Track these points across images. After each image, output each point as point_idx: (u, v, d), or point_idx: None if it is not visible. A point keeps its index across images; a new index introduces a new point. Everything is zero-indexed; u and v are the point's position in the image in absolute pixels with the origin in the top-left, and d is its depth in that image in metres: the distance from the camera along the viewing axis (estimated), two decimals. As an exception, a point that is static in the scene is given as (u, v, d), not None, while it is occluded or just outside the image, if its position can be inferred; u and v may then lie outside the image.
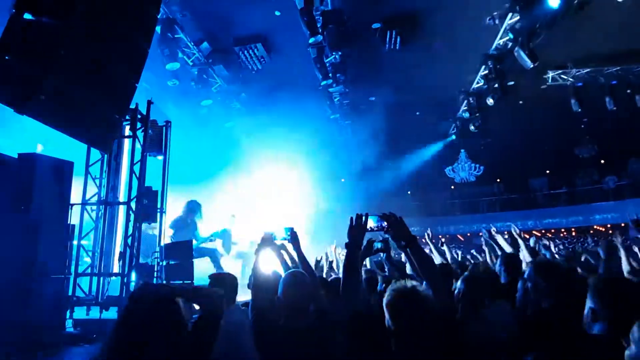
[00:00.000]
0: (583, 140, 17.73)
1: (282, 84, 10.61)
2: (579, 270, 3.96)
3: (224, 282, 3.15)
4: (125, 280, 6.11)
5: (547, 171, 21.70)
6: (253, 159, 12.30)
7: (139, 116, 6.79)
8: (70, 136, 4.99)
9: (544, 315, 2.37)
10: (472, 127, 13.80)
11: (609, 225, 19.71)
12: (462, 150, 17.94)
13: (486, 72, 10.83)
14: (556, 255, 5.53)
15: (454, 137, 16.24)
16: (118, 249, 6.94)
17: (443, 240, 6.65)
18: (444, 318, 1.85)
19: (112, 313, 5.96)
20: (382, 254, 4.26)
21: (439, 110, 14.36)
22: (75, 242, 6.38)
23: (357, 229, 2.34)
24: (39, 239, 5.03)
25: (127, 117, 6.64)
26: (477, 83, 12.06)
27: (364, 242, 2.57)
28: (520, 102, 13.26)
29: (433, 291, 1.99)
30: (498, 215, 21.29)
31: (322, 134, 12.34)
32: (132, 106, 6.40)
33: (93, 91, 4.93)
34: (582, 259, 5.43)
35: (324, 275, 4.84)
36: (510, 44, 9.47)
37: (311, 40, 8.56)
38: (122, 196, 7.14)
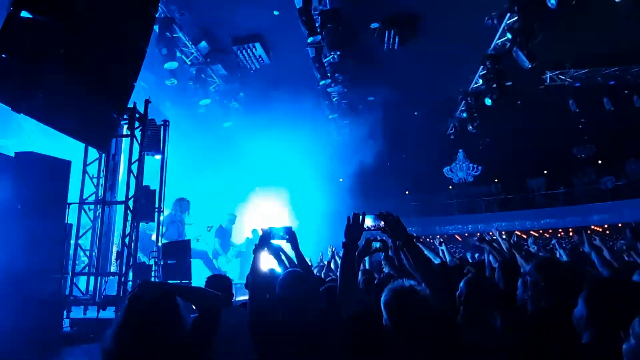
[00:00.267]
0: (581, 141, 17.76)
1: (281, 83, 10.60)
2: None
3: (219, 284, 3.15)
4: (122, 280, 6.09)
5: (545, 171, 21.75)
6: (251, 159, 12.29)
7: (137, 115, 6.77)
8: (67, 135, 4.98)
9: (543, 316, 2.36)
10: (470, 127, 13.81)
11: (606, 226, 19.78)
12: (460, 150, 17.98)
13: (484, 72, 10.84)
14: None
15: (452, 137, 16.25)
16: (115, 248, 6.92)
17: (442, 240, 6.65)
18: (442, 317, 1.85)
19: (109, 313, 5.95)
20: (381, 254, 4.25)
21: (437, 110, 14.37)
22: (72, 242, 6.36)
23: (354, 228, 2.33)
24: (35, 238, 5.01)
25: (125, 116, 6.62)
26: (476, 83, 12.07)
27: (362, 242, 2.56)
28: (519, 102, 13.29)
29: (431, 291, 1.99)
30: (496, 215, 21.34)
31: (321, 133, 12.35)
32: (130, 105, 6.38)
33: (91, 90, 4.92)
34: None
35: (322, 276, 4.85)
36: (508, 44, 9.49)
37: (310, 39, 8.56)
38: (119, 195, 7.12)
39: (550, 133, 15.66)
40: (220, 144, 11.93)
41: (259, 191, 13.31)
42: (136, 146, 6.72)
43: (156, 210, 7.15)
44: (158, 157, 7.38)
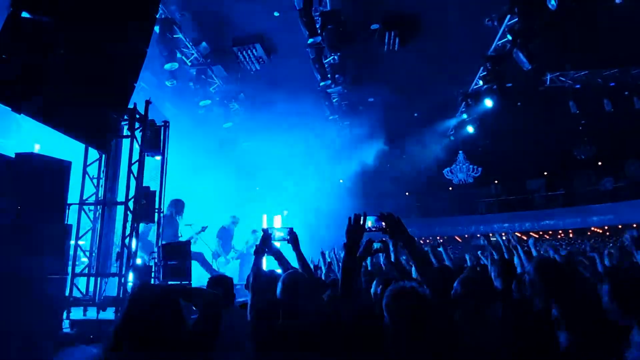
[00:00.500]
0: (581, 142, 17.77)
1: (281, 84, 10.60)
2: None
3: (221, 284, 3.14)
4: (122, 281, 6.08)
5: (545, 173, 21.75)
6: (251, 160, 12.29)
7: (137, 116, 6.77)
8: (68, 136, 4.97)
9: (538, 315, 2.37)
10: (470, 129, 13.82)
11: (606, 227, 19.77)
12: (460, 152, 17.96)
13: (485, 73, 10.85)
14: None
15: (452, 138, 16.26)
16: (116, 249, 6.90)
17: (441, 241, 6.64)
18: (443, 318, 1.84)
19: (109, 314, 5.93)
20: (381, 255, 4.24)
21: (438, 112, 14.38)
22: (72, 242, 6.34)
23: (355, 229, 2.33)
24: (35, 239, 5.00)
25: (125, 117, 6.61)
26: (476, 84, 12.08)
27: (363, 243, 2.56)
28: (519, 103, 13.29)
29: (431, 291, 1.98)
30: (496, 216, 21.35)
31: (321, 134, 12.35)
32: (131, 106, 6.38)
33: (91, 90, 4.91)
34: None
35: (323, 277, 4.84)
36: (509, 46, 9.49)
37: (310, 41, 8.57)
38: (119, 196, 7.11)
39: (550, 134, 15.67)
40: (220, 145, 11.92)
41: (259, 191, 13.31)
42: (136, 147, 6.72)
43: (156, 211, 7.14)
44: (158, 157, 7.37)
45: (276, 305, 2.33)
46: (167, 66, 8.96)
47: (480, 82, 11.59)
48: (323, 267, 5.32)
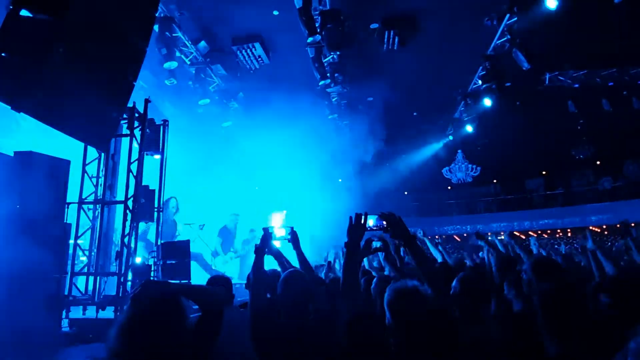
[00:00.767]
0: (579, 142, 17.81)
1: (280, 83, 10.58)
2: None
3: (220, 284, 3.14)
4: (122, 280, 6.08)
5: (544, 172, 21.78)
6: (250, 159, 12.27)
7: (136, 115, 6.77)
8: (67, 134, 4.96)
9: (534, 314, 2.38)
10: (469, 128, 13.83)
11: (604, 226, 19.81)
12: (459, 151, 17.99)
13: (484, 72, 10.86)
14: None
15: (451, 137, 16.28)
16: (115, 248, 6.90)
17: (438, 242, 6.65)
18: (444, 317, 1.85)
19: (108, 313, 5.93)
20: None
21: (437, 111, 14.39)
22: (71, 241, 6.34)
23: (356, 228, 2.33)
24: (35, 237, 5.00)
25: (125, 116, 6.62)
26: (475, 84, 12.09)
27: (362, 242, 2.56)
28: (518, 103, 13.30)
29: (432, 290, 1.99)
30: (494, 215, 21.37)
31: (320, 133, 12.33)
32: (130, 105, 6.37)
33: (90, 89, 4.90)
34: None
35: (323, 276, 4.83)
36: (508, 45, 9.50)
37: (309, 40, 8.55)
38: (119, 195, 7.11)
39: (549, 134, 15.70)
40: (219, 144, 11.91)
41: (259, 191, 13.30)
42: (135, 146, 6.72)
43: (155, 210, 7.14)
44: (157, 156, 7.37)
45: (276, 305, 2.33)
46: (167, 65, 8.95)
47: (480, 82, 11.60)
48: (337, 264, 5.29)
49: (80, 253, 6.79)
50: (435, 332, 1.75)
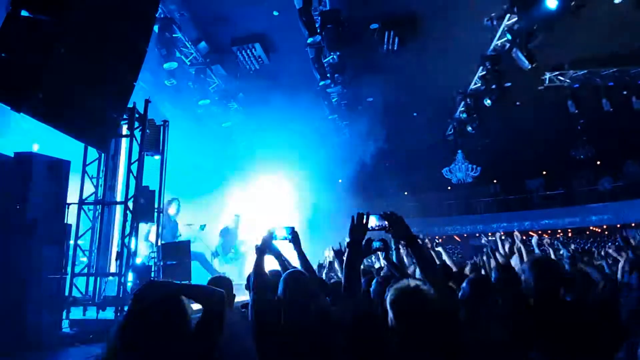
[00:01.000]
0: (579, 142, 17.78)
1: (280, 84, 10.58)
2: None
3: (221, 285, 3.13)
4: (122, 281, 6.07)
5: (544, 172, 21.77)
6: (250, 159, 12.27)
7: (136, 115, 6.77)
8: (67, 135, 4.96)
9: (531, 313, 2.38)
10: (469, 128, 13.82)
11: (604, 227, 19.80)
12: (459, 151, 17.94)
13: (484, 73, 10.85)
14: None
15: (451, 137, 16.26)
16: (115, 248, 6.89)
17: (439, 241, 6.64)
18: (446, 317, 1.84)
19: (109, 313, 5.93)
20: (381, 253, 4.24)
21: (436, 111, 14.37)
22: (71, 242, 6.34)
23: (358, 227, 2.32)
24: (35, 238, 5.00)
25: (125, 116, 6.61)
26: (475, 84, 12.08)
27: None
28: (518, 103, 13.29)
29: (435, 290, 1.98)
30: (495, 216, 21.35)
31: (320, 134, 12.32)
32: (130, 105, 6.37)
33: (91, 90, 4.90)
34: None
35: (324, 277, 4.83)
36: (508, 45, 9.50)
37: (309, 40, 8.56)
38: (119, 196, 7.10)
39: (549, 134, 15.67)
40: (219, 144, 11.91)
41: (257, 191, 13.28)
42: (136, 146, 6.72)
43: (155, 210, 7.14)
44: (157, 157, 7.38)
45: (277, 305, 2.32)
46: (166, 65, 8.95)
47: (479, 82, 11.60)
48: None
49: (81, 254, 6.78)
50: (438, 332, 1.74)
